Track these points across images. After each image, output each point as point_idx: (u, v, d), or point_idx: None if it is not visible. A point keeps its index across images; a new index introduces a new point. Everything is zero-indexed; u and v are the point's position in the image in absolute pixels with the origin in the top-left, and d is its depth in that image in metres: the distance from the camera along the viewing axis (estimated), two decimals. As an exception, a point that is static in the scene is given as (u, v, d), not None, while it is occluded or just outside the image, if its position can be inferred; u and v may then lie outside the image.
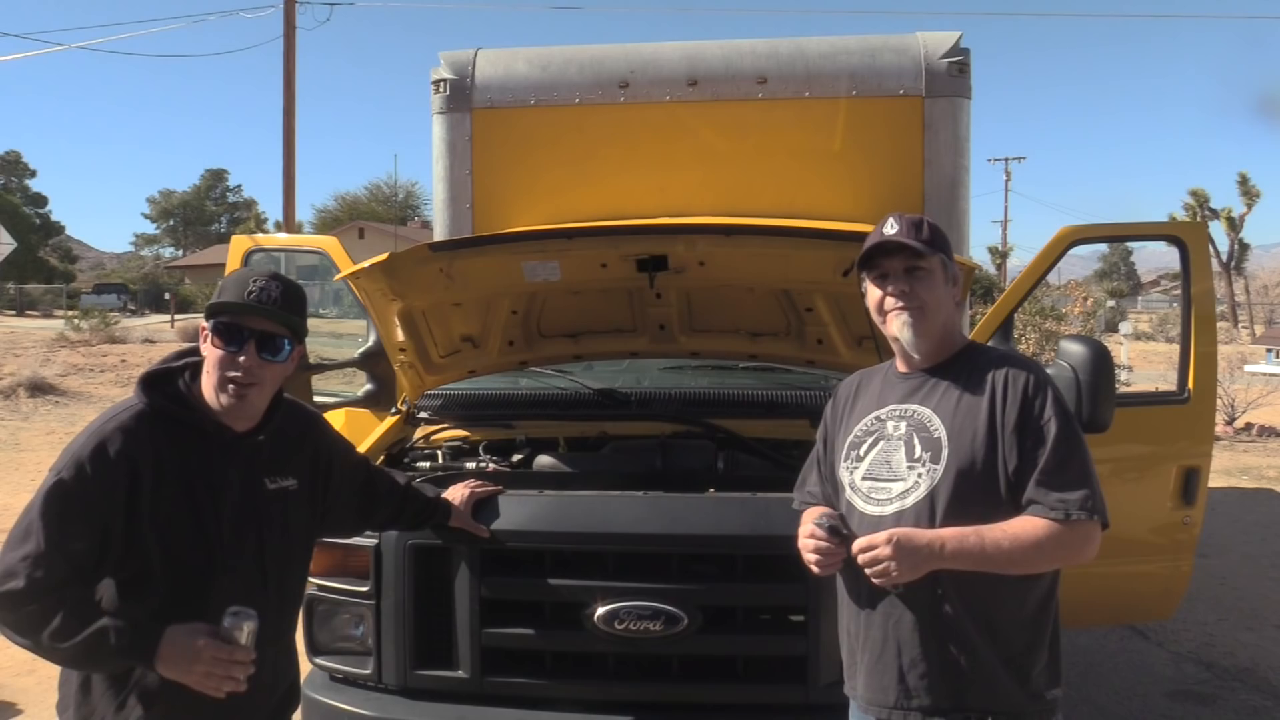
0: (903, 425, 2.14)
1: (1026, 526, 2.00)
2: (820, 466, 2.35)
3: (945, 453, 2.07)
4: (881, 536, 2.01)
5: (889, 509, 2.10)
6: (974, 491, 2.04)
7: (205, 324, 2.08)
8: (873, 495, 2.13)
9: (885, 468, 2.13)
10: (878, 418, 2.19)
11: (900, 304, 2.14)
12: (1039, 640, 2.09)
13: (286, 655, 2.32)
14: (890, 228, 2.16)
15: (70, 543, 1.94)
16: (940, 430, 2.09)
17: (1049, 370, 3.11)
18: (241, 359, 2.04)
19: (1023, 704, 2.05)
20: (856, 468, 2.18)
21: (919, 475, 2.08)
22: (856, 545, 2.05)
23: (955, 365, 2.17)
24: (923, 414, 2.13)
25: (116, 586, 2.00)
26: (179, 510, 2.02)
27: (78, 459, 1.96)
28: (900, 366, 2.24)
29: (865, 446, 2.18)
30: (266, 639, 2.09)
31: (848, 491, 2.19)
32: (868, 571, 2.03)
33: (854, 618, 2.18)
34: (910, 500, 2.08)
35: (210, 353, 2.06)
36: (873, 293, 2.20)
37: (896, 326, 2.15)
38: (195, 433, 2.07)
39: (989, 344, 2.21)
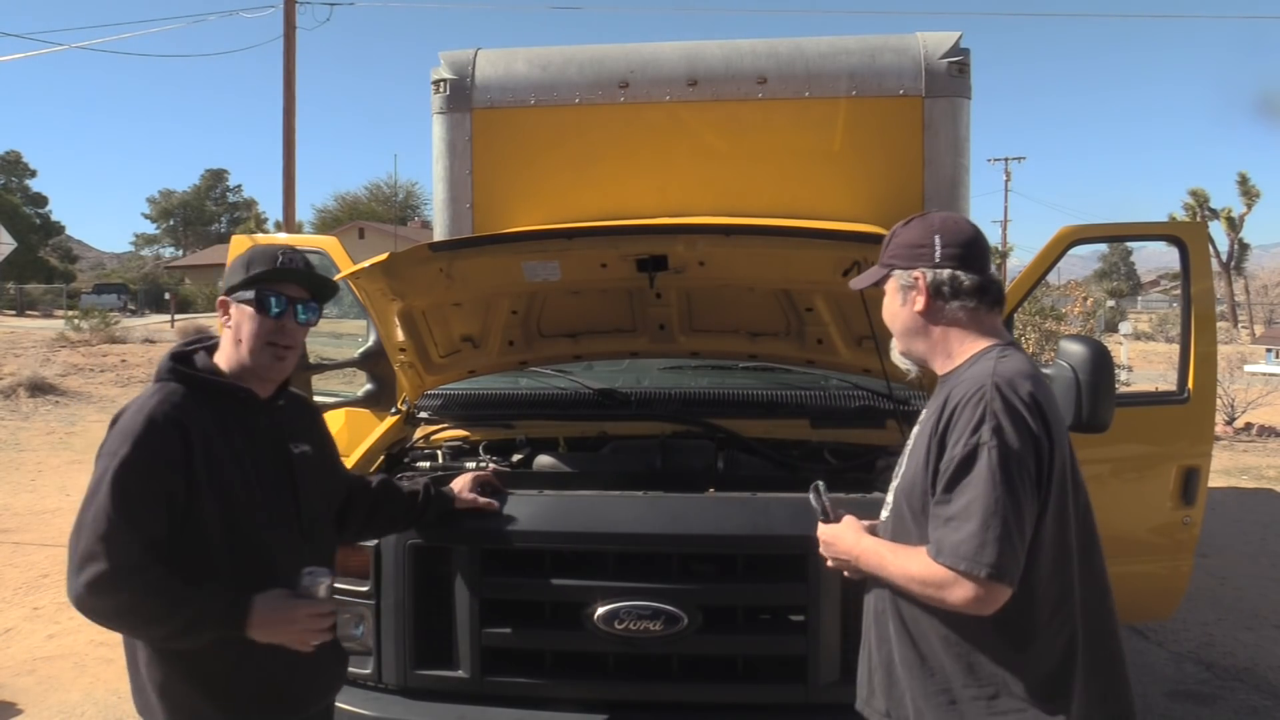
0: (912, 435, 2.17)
1: (911, 556, 1.93)
2: None
3: (900, 471, 2.09)
4: (829, 529, 2.18)
5: (881, 518, 2.18)
6: (909, 512, 2.00)
7: (231, 297, 2.21)
8: (883, 505, 2.20)
9: (893, 478, 2.18)
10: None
11: None
12: (979, 682, 1.92)
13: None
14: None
15: (142, 517, 2.00)
16: (908, 449, 2.10)
17: (1048, 370, 3.12)
18: (284, 323, 2.19)
19: None
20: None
21: (891, 491, 2.14)
22: (819, 531, 2.21)
23: (950, 379, 2.03)
24: (914, 430, 2.13)
25: (179, 557, 2.06)
26: (231, 473, 2.12)
27: (132, 435, 2.03)
28: None
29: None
30: None
31: None
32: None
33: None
34: (883, 515, 2.16)
35: (251, 321, 2.17)
36: None
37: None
38: (229, 399, 2.18)
39: (992, 354, 2.00)
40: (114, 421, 2.12)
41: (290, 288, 2.21)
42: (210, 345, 2.26)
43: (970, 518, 1.80)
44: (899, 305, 2.09)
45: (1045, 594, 1.90)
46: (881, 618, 2.09)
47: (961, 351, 2.03)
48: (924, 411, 2.09)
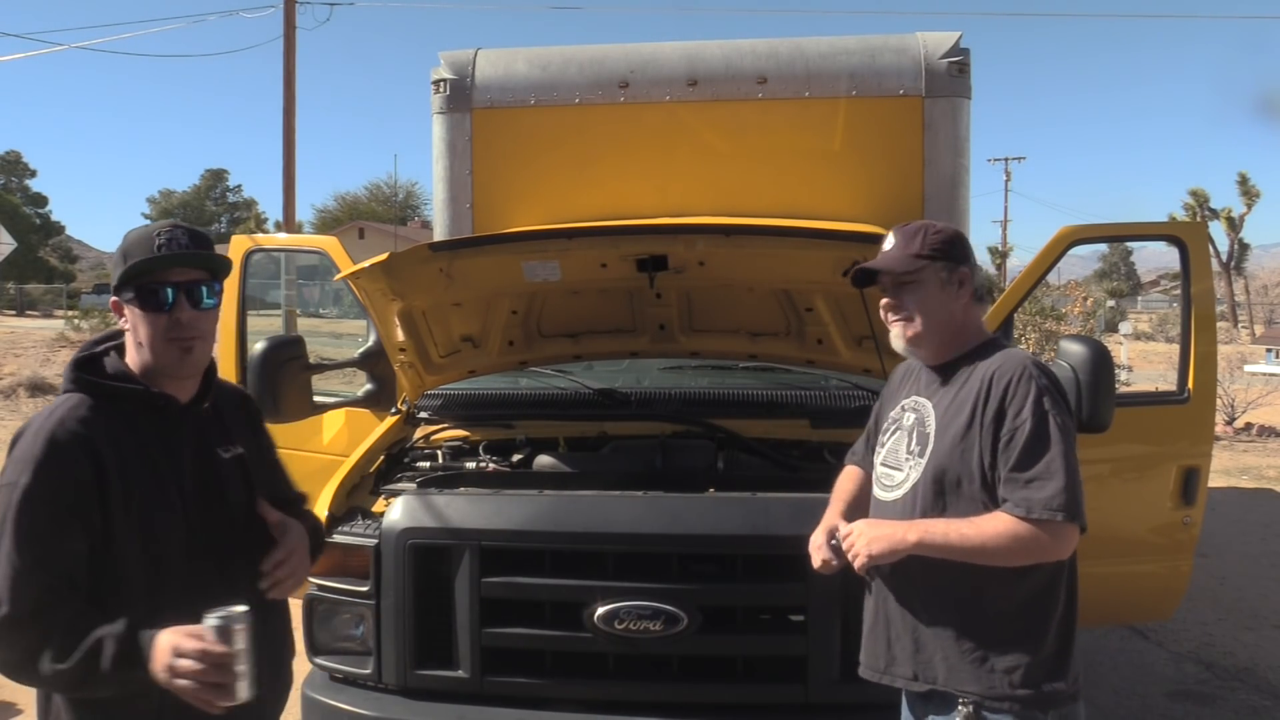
0: (912, 417, 2.27)
1: (992, 521, 2.06)
2: (866, 439, 2.56)
3: (930, 447, 2.18)
4: (854, 525, 2.23)
5: (891, 495, 2.25)
6: (949, 486, 2.14)
7: (119, 296, 1.94)
8: (883, 482, 2.29)
9: (894, 456, 2.28)
10: (903, 407, 2.33)
11: (893, 316, 2.27)
12: (1009, 634, 2.10)
13: (272, 633, 2.13)
14: (887, 244, 2.30)
15: (53, 553, 1.78)
16: (931, 425, 2.20)
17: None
18: (180, 316, 1.91)
19: (993, 690, 2.08)
20: (879, 454, 2.34)
21: (910, 467, 2.22)
22: (839, 533, 2.25)
23: (965, 361, 2.23)
24: (925, 409, 2.25)
25: (97, 592, 1.85)
26: (149, 489, 1.90)
27: (33, 460, 1.80)
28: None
29: (888, 434, 2.34)
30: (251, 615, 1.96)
31: (873, 475, 2.37)
32: (849, 557, 2.21)
33: (866, 592, 2.34)
34: (902, 490, 2.22)
35: (143, 321, 1.91)
36: (881, 304, 2.34)
37: (891, 337, 2.30)
38: (142, 408, 1.95)
39: (1002, 344, 2.28)
40: (13, 443, 1.85)
41: (179, 272, 1.91)
42: (121, 344, 2.00)
43: (1054, 475, 2.03)
44: (940, 292, 2.23)
45: None
46: (908, 588, 2.18)
47: (967, 341, 2.26)
48: (938, 391, 2.23)
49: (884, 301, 2.28)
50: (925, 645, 2.16)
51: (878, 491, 2.31)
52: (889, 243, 2.29)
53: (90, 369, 1.96)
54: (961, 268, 2.25)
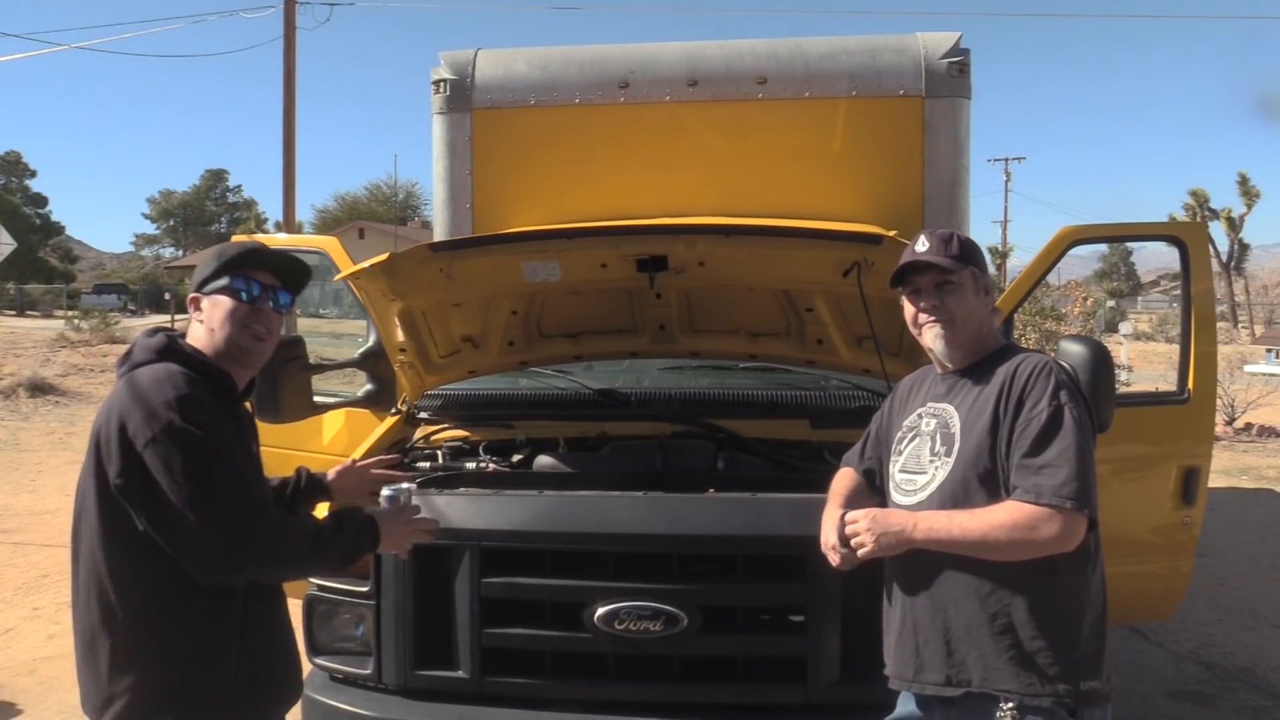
0: (932, 422, 2.30)
1: (999, 509, 2.08)
2: (865, 444, 2.58)
3: (956, 447, 2.21)
4: (862, 512, 2.22)
5: (913, 499, 2.26)
6: (978, 483, 2.15)
7: (206, 290, 2.18)
8: (903, 487, 2.30)
9: (915, 461, 2.30)
10: (918, 415, 2.35)
11: (933, 318, 2.28)
12: (1045, 632, 2.10)
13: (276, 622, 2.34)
14: (921, 245, 2.30)
15: (249, 470, 2.13)
16: (956, 426, 2.23)
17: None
18: (261, 307, 2.19)
19: (1032, 688, 2.09)
20: (896, 461, 2.36)
21: (936, 468, 2.23)
22: (846, 518, 2.24)
23: (984, 366, 2.27)
24: (947, 412, 2.28)
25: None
26: (243, 454, 2.15)
27: (181, 409, 1.97)
28: (938, 368, 2.38)
29: (904, 442, 2.35)
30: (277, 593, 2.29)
31: (889, 483, 2.38)
32: (854, 543, 2.19)
33: (886, 600, 2.35)
34: (927, 493, 2.23)
35: (224, 308, 2.16)
36: (908, 308, 2.35)
37: (930, 339, 2.30)
38: (219, 388, 2.14)
39: (1020, 348, 2.34)
40: (117, 410, 1.98)
41: (263, 275, 2.20)
42: (180, 335, 2.22)
43: (1065, 463, 2.05)
44: (973, 297, 2.28)
45: (1094, 540, 2.17)
46: (935, 589, 2.18)
47: (989, 346, 2.32)
48: (959, 395, 2.27)
49: (924, 304, 2.29)
50: (958, 647, 2.15)
51: (898, 498, 2.31)
52: (923, 244, 2.29)
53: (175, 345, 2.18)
54: (985, 276, 2.32)
